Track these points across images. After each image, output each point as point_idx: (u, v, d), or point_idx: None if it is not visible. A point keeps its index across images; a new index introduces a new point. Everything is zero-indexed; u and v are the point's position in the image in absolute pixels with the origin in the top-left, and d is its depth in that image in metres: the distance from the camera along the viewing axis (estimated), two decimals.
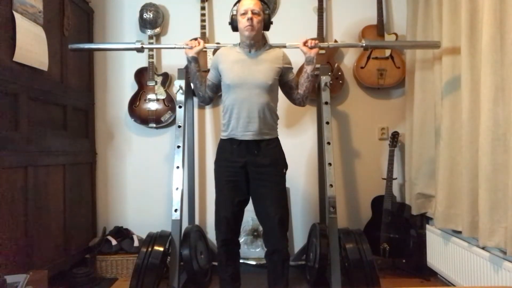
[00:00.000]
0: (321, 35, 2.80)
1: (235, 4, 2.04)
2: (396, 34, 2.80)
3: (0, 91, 1.91)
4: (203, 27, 2.81)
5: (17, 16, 1.99)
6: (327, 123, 2.32)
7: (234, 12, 2.03)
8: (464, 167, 2.00)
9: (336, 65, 2.80)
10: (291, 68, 2.09)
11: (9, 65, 1.97)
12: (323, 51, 2.77)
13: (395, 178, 2.72)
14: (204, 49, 2.33)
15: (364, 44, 2.26)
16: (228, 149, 1.99)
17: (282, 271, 1.96)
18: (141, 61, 2.82)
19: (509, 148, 1.71)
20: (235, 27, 2.05)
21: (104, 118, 2.95)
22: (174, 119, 2.54)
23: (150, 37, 2.85)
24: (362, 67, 2.79)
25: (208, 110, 2.94)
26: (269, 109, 1.97)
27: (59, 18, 2.45)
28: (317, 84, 2.54)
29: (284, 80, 2.06)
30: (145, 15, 2.82)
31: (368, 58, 2.78)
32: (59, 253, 2.39)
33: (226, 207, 1.98)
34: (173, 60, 2.88)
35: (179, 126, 2.34)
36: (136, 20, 2.89)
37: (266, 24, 2.03)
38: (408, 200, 2.67)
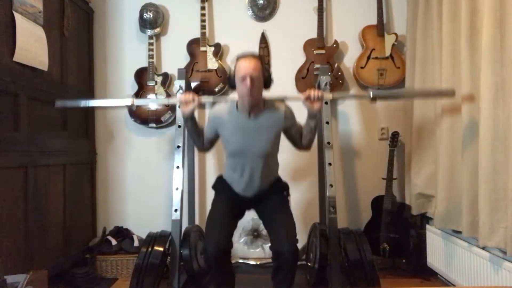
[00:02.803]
0: (321, 35, 2.80)
1: (236, 59, 1.87)
2: (396, 34, 2.80)
3: (0, 91, 1.91)
4: (203, 27, 2.81)
5: (17, 16, 1.99)
6: (327, 123, 2.32)
7: (233, 69, 1.87)
8: (464, 167, 2.00)
9: (336, 65, 2.80)
10: (294, 121, 2.01)
11: (9, 65, 1.97)
12: (323, 51, 2.77)
13: (395, 178, 2.72)
14: (202, 101, 2.11)
15: (371, 96, 2.03)
16: (229, 187, 2.03)
17: (288, 274, 1.89)
18: (141, 61, 2.82)
19: (509, 148, 1.70)
20: (233, 85, 1.90)
21: (104, 118, 2.95)
22: (174, 119, 2.54)
23: (150, 37, 2.85)
24: (362, 67, 2.79)
25: (208, 111, 2.94)
26: (269, 169, 1.99)
27: (59, 18, 2.45)
28: (317, 84, 2.54)
29: (287, 133, 2.03)
30: (145, 15, 2.82)
31: (368, 58, 2.78)
32: (59, 253, 2.39)
33: (216, 239, 1.83)
34: (173, 60, 2.88)
35: (179, 126, 2.34)
36: (136, 20, 2.89)
37: (267, 83, 1.89)
38: (408, 200, 2.67)
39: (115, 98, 2.91)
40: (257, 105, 1.89)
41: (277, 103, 1.98)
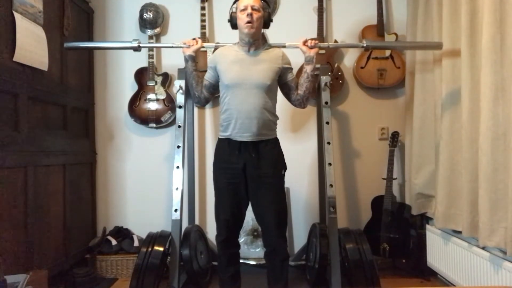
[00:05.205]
0: (321, 35, 2.80)
1: (234, 2, 2.02)
2: (396, 34, 2.80)
3: (0, 91, 1.91)
4: (203, 27, 2.81)
5: (17, 16, 1.99)
6: (327, 123, 2.32)
7: (234, 10, 2.00)
8: (464, 167, 2.00)
9: (336, 65, 2.80)
10: (291, 69, 2.06)
11: (9, 65, 1.97)
12: (323, 51, 2.77)
13: (395, 178, 2.72)
14: (203, 49, 2.31)
15: (365, 45, 2.24)
16: (227, 150, 1.96)
17: (281, 271, 1.96)
18: (141, 61, 2.82)
19: (509, 148, 1.71)
20: (234, 25, 2.02)
21: (104, 118, 2.95)
22: (174, 119, 2.54)
23: (150, 37, 2.85)
24: (362, 67, 2.79)
25: (208, 110, 2.94)
26: (267, 109, 1.93)
27: (59, 18, 2.45)
28: (317, 84, 2.54)
29: (283, 81, 2.04)
30: (145, 15, 2.82)
31: (368, 58, 2.78)
32: (59, 253, 2.39)
33: (226, 210, 1.97)
34: (173, 60, 2.88)
35: (179, 126, 2.34)
36: (136, 20, 2.89)
37: (266, 22, 2.01)
38: (408, 200, 2.67)
39: (114, 98, 2.94)
40: (256, 40, 1.98)
41: (276, 47, 2.11)
